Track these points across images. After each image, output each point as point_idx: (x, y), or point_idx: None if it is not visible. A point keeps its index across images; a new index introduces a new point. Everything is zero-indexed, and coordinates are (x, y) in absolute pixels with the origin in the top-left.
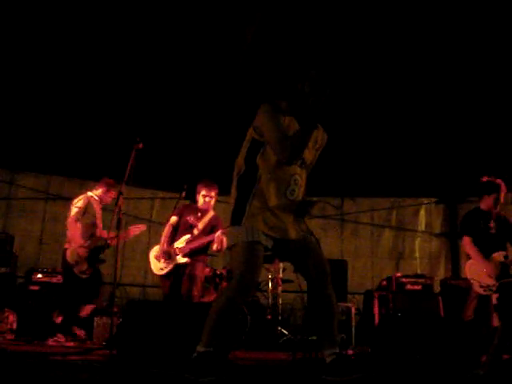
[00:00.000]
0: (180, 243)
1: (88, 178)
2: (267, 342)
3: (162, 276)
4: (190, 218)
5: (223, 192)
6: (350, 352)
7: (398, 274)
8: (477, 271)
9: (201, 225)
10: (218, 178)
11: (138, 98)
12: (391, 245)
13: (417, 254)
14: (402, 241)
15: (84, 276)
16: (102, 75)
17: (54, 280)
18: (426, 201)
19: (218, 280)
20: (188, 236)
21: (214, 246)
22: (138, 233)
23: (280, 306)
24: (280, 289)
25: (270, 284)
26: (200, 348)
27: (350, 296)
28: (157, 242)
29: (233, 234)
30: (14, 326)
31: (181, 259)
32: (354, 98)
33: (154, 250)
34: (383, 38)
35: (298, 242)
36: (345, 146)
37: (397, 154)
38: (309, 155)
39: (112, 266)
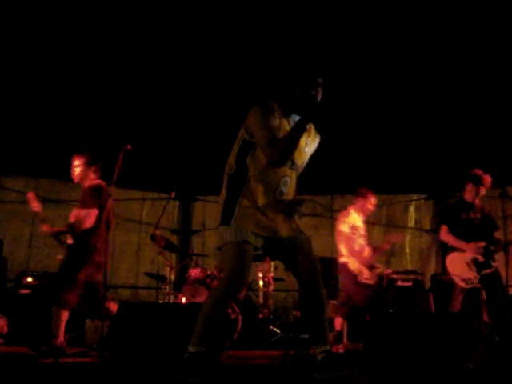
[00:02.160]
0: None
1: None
2: (259, 341)
3: None
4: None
5: (214, 192)
6: (341, 349)
7: (389, 271)
8: (457, 265)
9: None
10: (207, 178)
11: (126, 99)
12: (381, 241)
13: (407, 251)
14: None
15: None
16: (90, 77)
17: (45, 283)
18: (415, 197)
19: (209, 281)
20: None
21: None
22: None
23: (272, 305)
24: (271, 288)
25: (261, 283)
26: (191, 348)
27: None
28: (146, 244)
29: (222, 233)
30: (5, 330)
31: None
32: (343, 95)
33: None
34: (372, 35)
35: (288, 241)
36: (334, 144)
37: (386, 151)
38: (300, 156)
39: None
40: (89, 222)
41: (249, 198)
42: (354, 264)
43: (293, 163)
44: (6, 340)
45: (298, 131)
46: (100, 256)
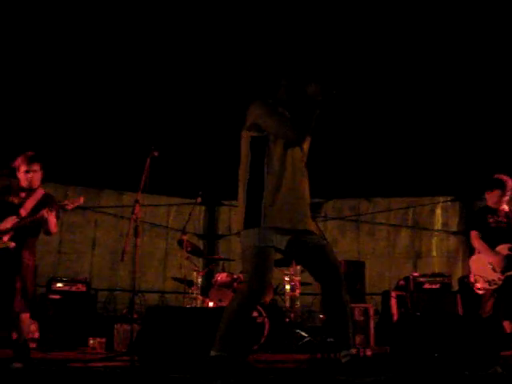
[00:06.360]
0: (4, 225)
1: (105, 188)
2: (286, 345)
3: None
4: (12, 198)
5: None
6: (369, 353)
7: (416, 274)
8: (481, 266)
9: (29, 204)
10: (232, 183)
11: (153, 106)
12: (408, 244)
13: (434, 253)
14: (419, 240)
15: None
16: (117, 85)
17: (74, 289)
18: (442, 199)
19: (235, 285)
20: (13, 217)
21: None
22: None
23: (298, 309)
24: (298, 291)
25: (287, 287)
26: (213, 352)
27: (367, 297)
28: (173, 249)
29: (244, 238)
30: (36, 335)
31: (6, 243)
32: (365, 98)
33: None
34: (386, 33)
35: (311, 243)
36: (360, 147)
37: (412, 153)
38: (305, 145)
39: (130, 273)
40: None
41: (271, 197)
42: None
43: (301, 149)
44: (37, 344)
45: (311, 110)
46: None
